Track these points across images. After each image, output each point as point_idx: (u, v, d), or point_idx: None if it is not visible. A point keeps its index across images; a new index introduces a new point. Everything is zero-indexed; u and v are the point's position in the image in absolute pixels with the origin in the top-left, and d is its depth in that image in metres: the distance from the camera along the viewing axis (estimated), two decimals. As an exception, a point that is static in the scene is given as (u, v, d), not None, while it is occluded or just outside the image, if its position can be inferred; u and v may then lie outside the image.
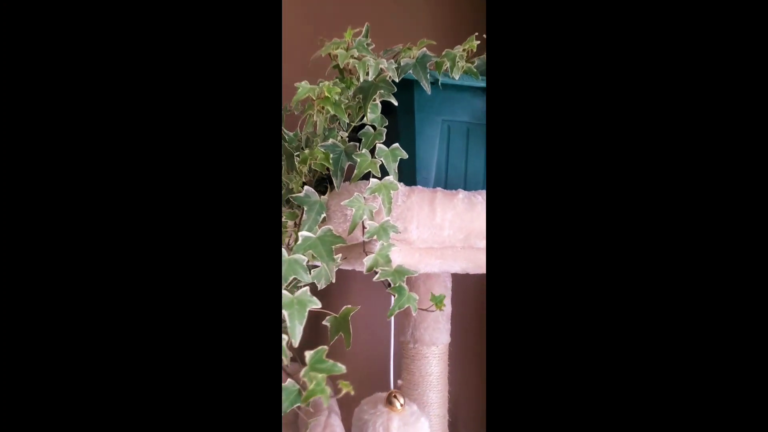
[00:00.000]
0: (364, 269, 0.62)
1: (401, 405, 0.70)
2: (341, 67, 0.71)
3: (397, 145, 0.70)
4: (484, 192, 0.74)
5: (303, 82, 0.67)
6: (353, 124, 0.73)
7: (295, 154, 0.72)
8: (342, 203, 0.65)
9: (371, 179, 0.66)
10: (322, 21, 1.13)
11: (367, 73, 0.70)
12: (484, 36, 0.60)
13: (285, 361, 0.50)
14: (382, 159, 0.68)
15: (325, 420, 0.80)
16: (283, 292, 0.53)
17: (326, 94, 0.64)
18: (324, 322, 0.65)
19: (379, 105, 0.71)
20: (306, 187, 0.68)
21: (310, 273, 0.65)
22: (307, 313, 0.54)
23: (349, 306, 0.64)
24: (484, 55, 0.75)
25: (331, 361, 0.47)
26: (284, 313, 0.51)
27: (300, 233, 0.61)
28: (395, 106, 0.74)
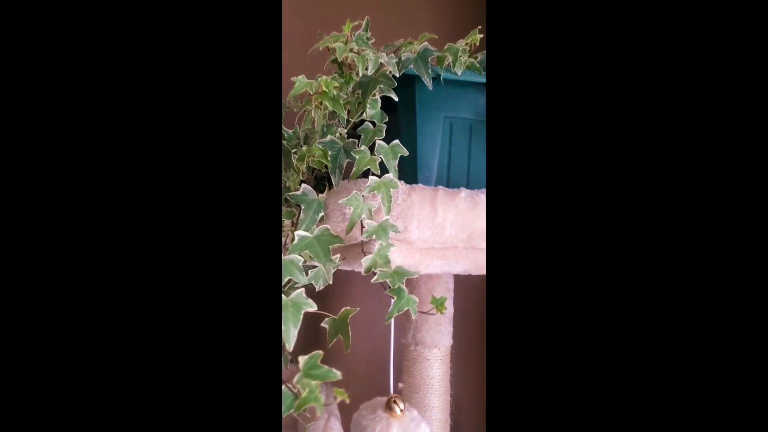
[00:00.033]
0: (362, 270, 0.60)
1: (401, 410, 0.68)
2: (339, 61, 0.69)
3: (397, 141, 0.68)
4: (487, 191, 0.72)
5: (300, 77, 0.65)
6: (352, 121, 0.71)
7: (293, 151, 0.70)
8: (339, 202, 0.62)
9: (370, 177, 0.64)
10: (322, 15, 1.11)
11: (367, 68, 0.68)
12: (488, 28, 0.58)
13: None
14: (381, 156, 0.66)
15: (325, 423, 0.78)
16: (278, 293, 0.51)
17: (324, 88, 0.62)
18: (322, 324, 0.63)
19: (379, 100, 0.69)
20: (303, 185, 0.66)
21: (307, 274, 0.64)
22: (302, 316, 0.52)
23: (348, 308, 0.62)
24: (488, 50, 0.72)
25: (326, 367, 0.45)
26: (278, 315, 0.49)
27: (296, 232, 0.59)
28: (396, 102, 0.73)
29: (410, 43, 0.74)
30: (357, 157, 0.65)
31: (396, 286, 0.58)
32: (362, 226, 0.62)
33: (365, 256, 0.60)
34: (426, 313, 0.55)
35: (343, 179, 0.69)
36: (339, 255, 0.63)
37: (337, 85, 0.64)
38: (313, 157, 0.66)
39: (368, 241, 0.63)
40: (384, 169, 0.66)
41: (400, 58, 0.71)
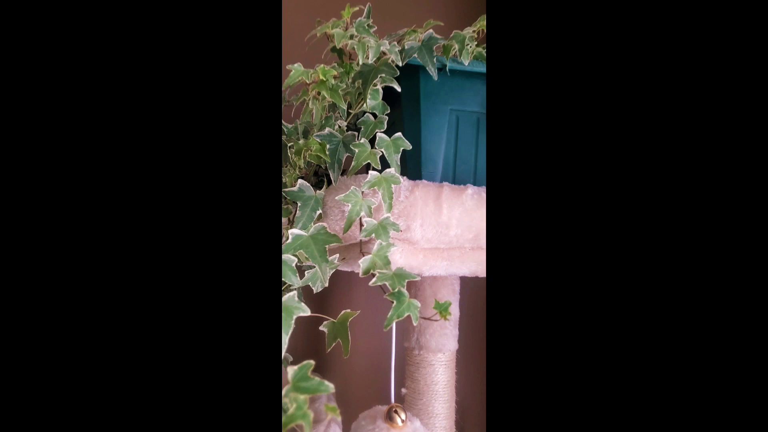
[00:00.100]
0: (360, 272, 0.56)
1: (402, 421, 0.64)
2: (338, 48, 0.65)
3: (399, 134, 0.64)
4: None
5: (296, 65, 0.61)
6: (353, 112, 0.67)
7: (289, 145, 0.67)
8: (336, 198, 0.59)
9: (370, 172, 0.60)
10: (322, 5, 1.07)
11: (367, 57, 0.64)
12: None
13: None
14: (382, 150, 0.62)
15: (325, 430, 0.75)
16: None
17: (321, 77, 0.58)
18: (321, 328, 0.60)
19: (380, 91, 0.65)
20: (300, 180, 0.62)
21: (305, 275, 0.60)
22: (293, 322, 0.48)
23: (348, 310, 0.58)
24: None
25: (317, 379, 0.41)
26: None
27: (290, 231, 0.55)
28: (399, 94, 0.70)
29: (414, 30, 0.70)
30: (356, 150, 0.61)
31: (396, 290, 0.54)
32: (361, 225, 0.58)
33: (364, 256, 0.56)
34: (428, 319, 0.51)
35: (344, 175, 0.66)
36: (338, 255, 0.60)
37: (336, 73, 0.60)
38: (311, 151, 0.62)
39: (367, 241, 0.59)
40: (385, 164, 0.63)
41: (403, 47, 0.67)
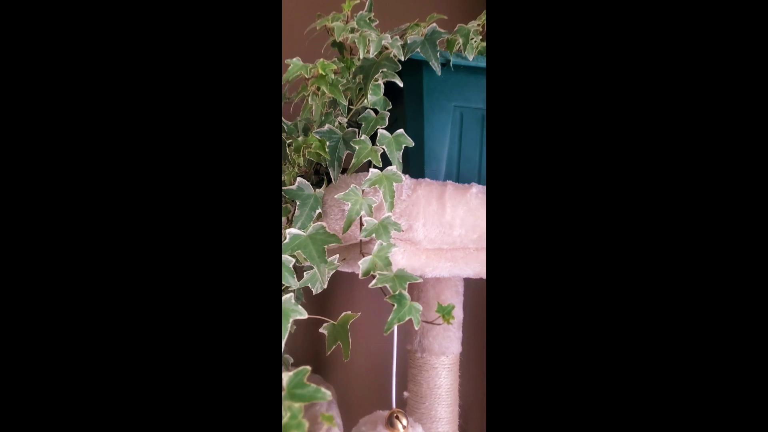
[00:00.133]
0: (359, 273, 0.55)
1: (404, 427, 0.62)
2: (338, 41, 0.63)
3: (401, 131, 0.62)
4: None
5: (295, 59, 0.59)
6: (353, 108, 0.65)
7: (288, 142, 0.65)
8: (336, 197, 0.57)
9: (371, 170, 0.58)
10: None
11: (368, 51, 0.62)
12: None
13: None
14: (384, 147, 0.60)
15: (325, 435, 0.73)
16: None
17: (320, 71, 0.56)
18: (321, 330, 0.58)
19: (382, 86, 0.63)
20: (299, 179, 0.61)
21: (304, 275, 0.58)
22: (291, 325, 0.46)
23: (349, 312, 0.57)
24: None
25: (313, 386, 0.39)
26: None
27: (287, 230, 0.54)
28: (401, 91, 0.68)
29: (417, 24, 0.69)
30: (357, 147, 0.59)
31: (397, 292, 0.52)
32: (361, 224, 0.56)
33: (364, 257, 0.54)
34: (431, 323, 0.49)
35: (344, 173, 0.64)
36: (337, 256, 0.58)
37: (335, 68, 0.58)
38: (310, 148, 0.61)
39: (368, 241, 0.57)
40: (387, 162, 0.61)
41: (405, 42, 0.65)
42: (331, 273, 0.57)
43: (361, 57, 0.63)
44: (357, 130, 0.63)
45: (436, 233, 0.63)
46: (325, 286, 0.55)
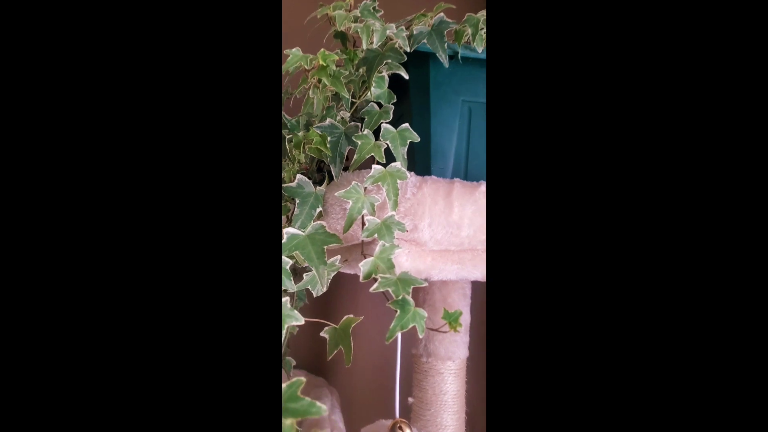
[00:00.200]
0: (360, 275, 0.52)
1: (407, 438, 0.59)
2: (340, 30, 0.60)
3: (406, 125, 0.60)
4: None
5: (295, 49, 0.56)
6: (356, 102, 0.62)
7: (287, 137, 0.62)
8: (336, 194, 0.54)
9: (374, 166, 0.56)
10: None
11: (372, 42, 0.59)
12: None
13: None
14: (387, 142, 0.57)
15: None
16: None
17: (321, 62, 0.53)
18: (322, 334, 0.55)
19: (386, 78, 0.61)
20: (299, 176, 0.58)
21: (304, 277, 0.56)
22: (287, 330, 0.43)
23: (351, 316, 0.55)
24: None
25: (307, 399, 0.36)
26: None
27: (285, 230, 0.51)
28: (407, 84, 0.66)
29: (424, 15, 0.66)
30: (359, 142, 0.56)
31: (400, 298, 0.49)
32: (363, 224, 0.54)
33: (365, 258, 0.52)
34: (437, 330, 0.46)
35: (347, 170, 0.62)
36: (339, 257, 0.55)
37: (337, 58, 0.55)
38: (311, 143, 0.58)
39: (369, 242, 0.54)
40: (391, 158, 0.58)
41: (411, 32, 0.63)
42: (333, 275, 0.55)
43: (365, 48, 0.60)
44: (359, 124, 0.60)
45: (443, 234, 0.61)
46: (325, 289, 0.53)
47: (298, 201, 0.58)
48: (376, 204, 0.56)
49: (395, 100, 0.62)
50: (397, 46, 0.61)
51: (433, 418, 0.82)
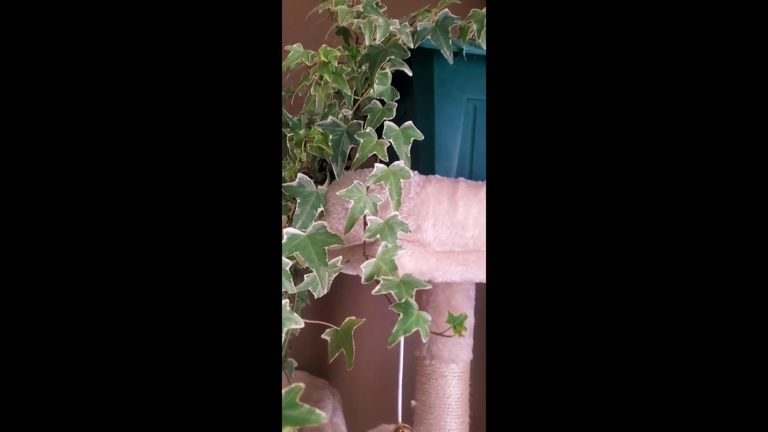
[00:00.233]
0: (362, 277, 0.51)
1: (410, 443, 0.58)
2: (342, 25, 0.59)
3: (410, 123, 0.59)
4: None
5: (295, 45, 0.55)
6: (359, 100, 0.61)
7: (288, 136, 0.61)
8: (338, 193, 0.53)
9: (376, 165, 0.55)
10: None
11: (375, 38, 0.58)
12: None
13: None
14: (390, 140, 0.56)
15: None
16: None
17: (323, 58, 0.52)
18: (323, 336, 0.54)
19: (389, 75, 0.60)
20: (299, 175, 0.57)
21: (305, 278, 0.55)
22: (286, 333, 0.42)
23: (353, 318, 0.54)
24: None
25: (306, 407, 0.35)
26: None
27: (285, 230, 0.50)
28: (411, 82, 0.65)
29: (428, 10, 0.65)
30: (361, 140, 0.55)
31: (403, 300, 0.47)
32: (365, 224, 0.53)
33: (367, 260, 0.51)
34: (441, 334, 0.45)
35: (349, 169, 0.61)
36: (340, 258, 0.54)
37: (339, 54, 0.54)
38: (312, 141, 0.57)
39: (372, 242, 0.53)
40: (394, 156, 0.58)
41: (415, 29, 0.62)
42: (334, 276, 0.54)
43: (368, 44, 0.59)
44: (362, 122, 0.59)
45: (447, 234, 0.60)
46: (327, 291, 0.52)
47: (299, 200, 0.57)
48: (378, 204, 0.55)
49: (398, 98, 0.62)
50: (400, 42, 0.60)
51: (436, 422, 0.81)
